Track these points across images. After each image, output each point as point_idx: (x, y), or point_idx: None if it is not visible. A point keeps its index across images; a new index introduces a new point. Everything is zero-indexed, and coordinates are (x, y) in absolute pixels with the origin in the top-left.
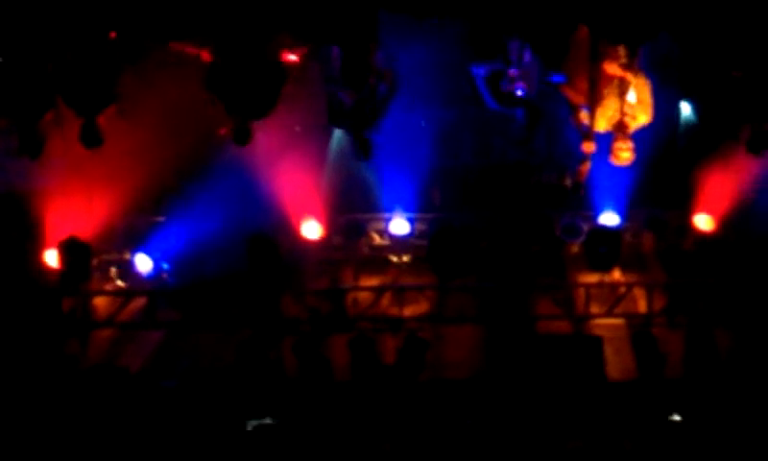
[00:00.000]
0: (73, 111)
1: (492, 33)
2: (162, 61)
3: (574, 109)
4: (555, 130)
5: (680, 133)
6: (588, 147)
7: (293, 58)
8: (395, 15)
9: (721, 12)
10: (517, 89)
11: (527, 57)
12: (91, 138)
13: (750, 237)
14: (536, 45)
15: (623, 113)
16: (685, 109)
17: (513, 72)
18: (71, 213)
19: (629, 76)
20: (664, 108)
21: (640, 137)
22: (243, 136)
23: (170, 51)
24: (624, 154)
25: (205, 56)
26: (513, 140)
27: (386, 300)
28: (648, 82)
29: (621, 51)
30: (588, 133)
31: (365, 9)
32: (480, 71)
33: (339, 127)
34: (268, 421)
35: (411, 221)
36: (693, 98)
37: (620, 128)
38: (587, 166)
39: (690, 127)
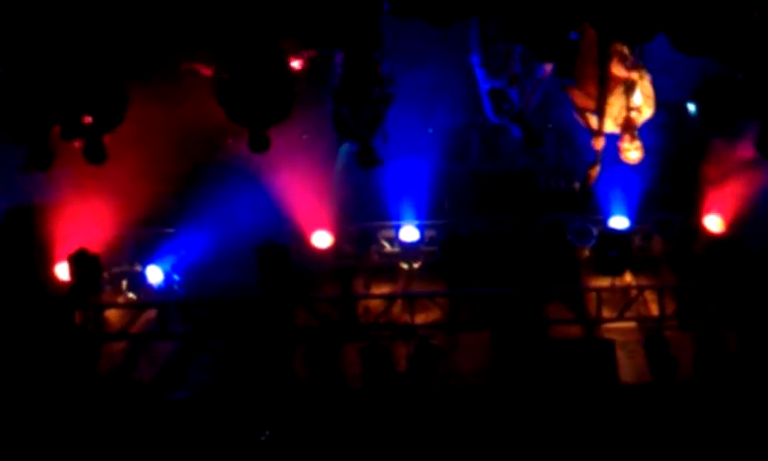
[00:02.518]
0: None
1: (500, 42)
2: (170, 74)
3: (582, 112)
4: (563, 135)
5: (688, 136)
6: (598, 143)
7: (296, 65)
8: (404, 24)
9: (725, 14)
10: (510, 103)
11: (533, 70)
12: (95, 155)
13: (759, 239)
14: (542, 49)
15: (629, 110)
16: (693, 111)
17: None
18: (81, 226)
19: (634, 75)
20: (672, 111)
21: (649, 140)
22: (260, 144)
23: (176, 65)
24: (633, 152)
25: (207, 72)
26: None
27: (397, 307)
28: (649, 76)
29: (627, 51)
30: (596, 132)
31: (368, 13)
32: (486, 85)
33: (346, 139)
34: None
35: (421, 228)
36: (700, 101)
37: (627, 126)
38: (596, 169)
39: (698, 129)
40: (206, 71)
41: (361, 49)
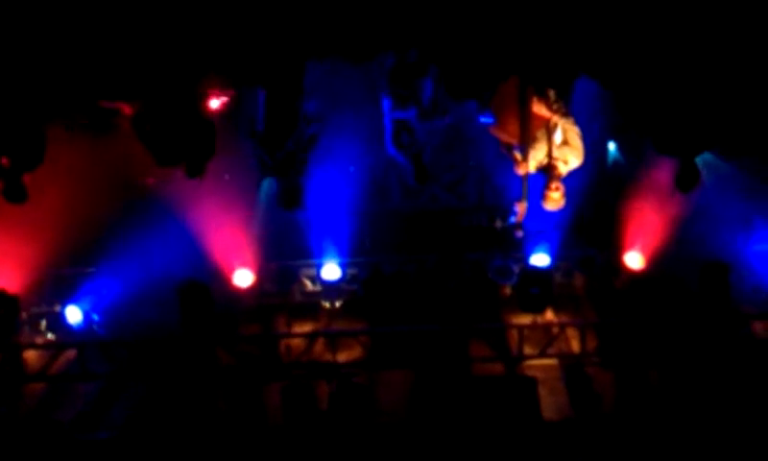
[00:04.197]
0: None
1: (407, 74)
2: (90, 114)
3: (507, 148)
4: (485, 173)
5: (608, 172)
6: (521, 169)
7: (217, 105)
8: (322, 62)
9: (643, 53)
10: (412, 137)
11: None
12: (15, 194)
13: (678, 274)
14: (459, 89)
15: (553, 157)
16: (613, 148)
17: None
18: None
19: (556, 118)
20: (593, 148)
21: (570, 178)
22: (196, 171)
23: (97, 106)
24: (555, 197)
25: (128, 110)
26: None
27: (319, 346)
28: (576, 126)
29: (550, 93)
30: (519, 161)
31: (292, 54)
32: (391, 115)
33: (268, 176)
34: None
35: (342, 266)
36: (620, 138)
37: (550, 171)
38: (524, 205)
39: (618, 166)
40: (127, 109)
41: (284, 89)
